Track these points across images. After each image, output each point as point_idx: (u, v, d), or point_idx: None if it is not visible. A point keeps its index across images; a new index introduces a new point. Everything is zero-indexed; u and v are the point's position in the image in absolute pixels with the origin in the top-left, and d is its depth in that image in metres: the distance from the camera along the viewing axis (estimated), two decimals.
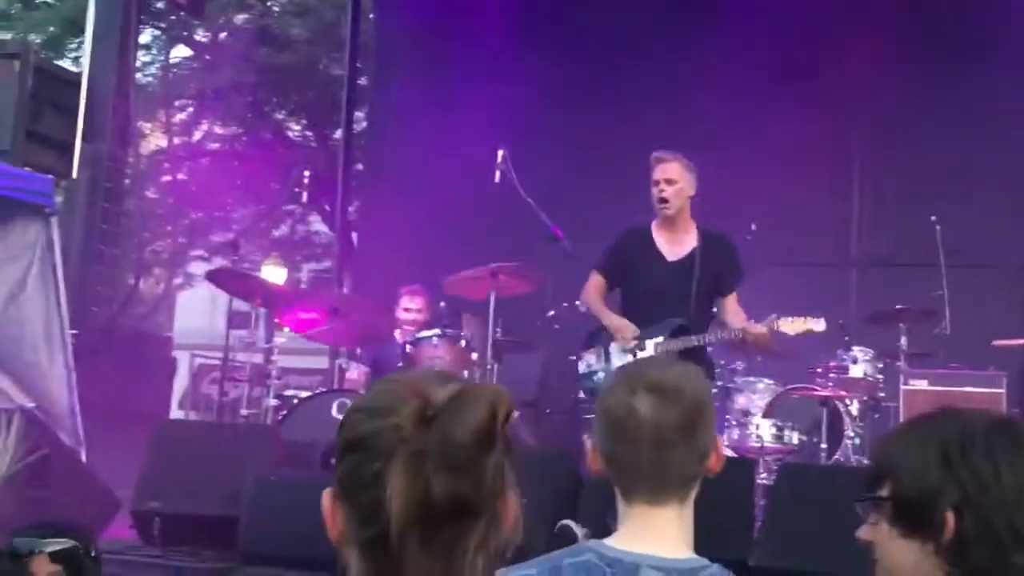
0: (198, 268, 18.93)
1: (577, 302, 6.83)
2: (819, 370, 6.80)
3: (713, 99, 8.72)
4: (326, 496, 1.27)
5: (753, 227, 7.26)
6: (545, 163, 7.69)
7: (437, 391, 1.24)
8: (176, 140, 19.14)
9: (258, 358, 8.18)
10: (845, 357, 6.76)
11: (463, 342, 6.53)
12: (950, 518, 1.51)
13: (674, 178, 5.83)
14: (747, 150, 8.55)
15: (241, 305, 7.28)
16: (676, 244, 5.91)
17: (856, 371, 6.71)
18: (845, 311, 7.51)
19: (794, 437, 6.26)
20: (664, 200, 5.82)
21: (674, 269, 5.87)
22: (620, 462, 1.88)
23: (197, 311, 22.63)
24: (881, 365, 6.82)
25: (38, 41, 15.76)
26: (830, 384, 6.69)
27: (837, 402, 6.58)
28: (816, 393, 6.61)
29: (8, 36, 15.75)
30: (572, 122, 9.13)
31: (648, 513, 1.86)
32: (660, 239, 5.95)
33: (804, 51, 8.61)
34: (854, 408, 6.64)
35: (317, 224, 19.50)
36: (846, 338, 6.82)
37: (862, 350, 6.78)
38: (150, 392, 9.79)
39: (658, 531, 1.86)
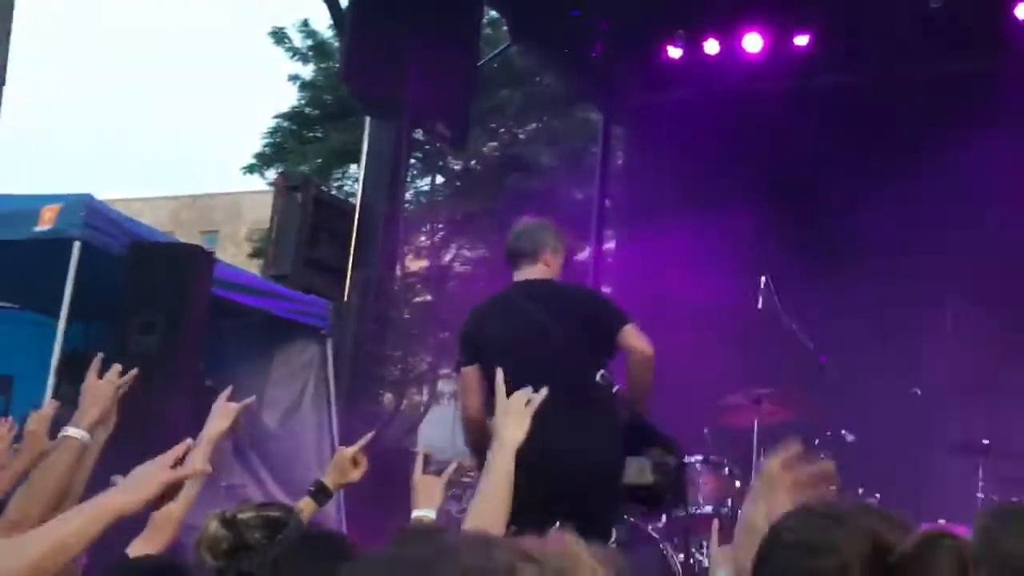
0: (445, 387, 19.48)
1: (843, 431, 6.63)
2: None
3: (964, 227, 8.36)
4: None
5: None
6: (807, 286, 7.53)
7: (890, 532, 1.10)
8: (428, 262, 19.93)
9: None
10: None
11: (726, 469, 6.43)
12: None
13: None
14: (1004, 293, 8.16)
15: None
16: None
17: None
18: None
19: None
20: None
21: None
22: None
23: (440, 429, 23.18)
24: None
25: (306, 170, 16.86)
26: None
27: None
28: None
29: (282, 168, 16.95)
30: (833, 242, 8.83)
31: None
32: None
33: None
34: None
35: None
36: None
37: None
38: (406, 508, 10.02)
39: None
